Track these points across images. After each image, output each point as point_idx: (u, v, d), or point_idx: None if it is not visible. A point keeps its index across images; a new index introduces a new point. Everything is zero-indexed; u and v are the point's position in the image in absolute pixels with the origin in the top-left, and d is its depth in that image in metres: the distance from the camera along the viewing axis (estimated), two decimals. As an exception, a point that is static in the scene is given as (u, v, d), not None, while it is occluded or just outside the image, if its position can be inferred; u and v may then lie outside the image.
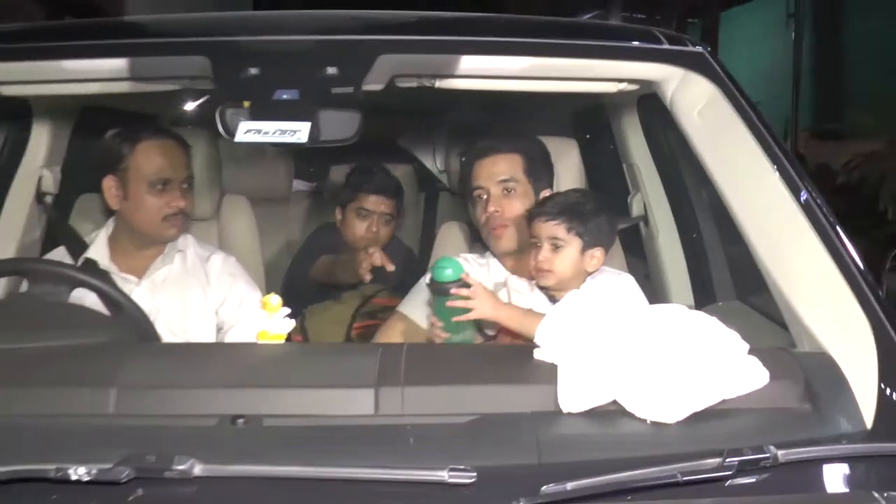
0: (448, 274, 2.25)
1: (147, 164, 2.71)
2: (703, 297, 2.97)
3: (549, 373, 1.64)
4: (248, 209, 3.19)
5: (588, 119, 3.51)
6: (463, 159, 2.79)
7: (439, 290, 2.25)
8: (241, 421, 1.52)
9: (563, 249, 2.45)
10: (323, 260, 3.46)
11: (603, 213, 2.53)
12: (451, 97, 2.32)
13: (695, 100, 2.21)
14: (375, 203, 3.60)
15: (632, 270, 2.99)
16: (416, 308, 2.65)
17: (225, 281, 2.81)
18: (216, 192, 3.15)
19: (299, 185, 4.73)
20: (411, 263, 3.85)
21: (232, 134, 1.96)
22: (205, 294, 2.77)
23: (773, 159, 2.05)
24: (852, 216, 5.61)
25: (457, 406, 1.59)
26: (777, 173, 2.02)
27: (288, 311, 1.90)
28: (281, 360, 1.80)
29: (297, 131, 1.94)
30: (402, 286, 3.57)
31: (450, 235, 3.02)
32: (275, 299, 1.88)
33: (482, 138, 2.78)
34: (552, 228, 2.46)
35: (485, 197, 2.69)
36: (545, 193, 2.73)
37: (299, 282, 3.55)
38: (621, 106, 3.06)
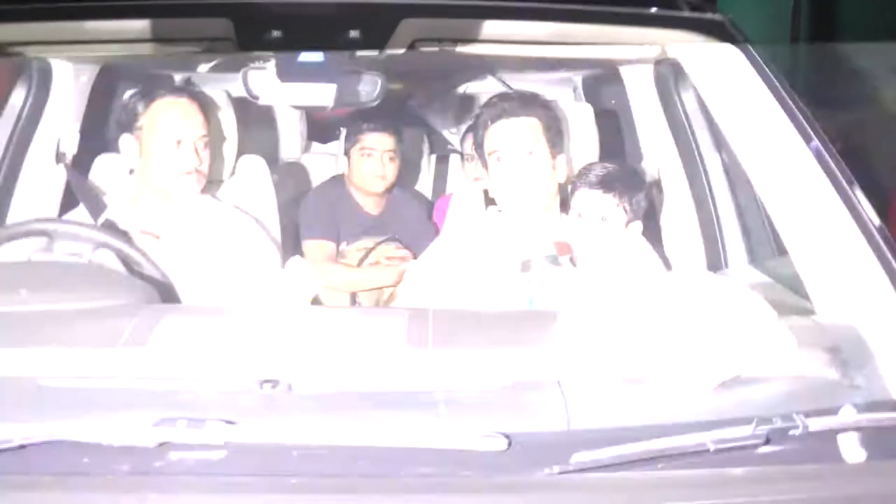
0: None
1: (161, 122, 2.68)
2: (716, 263, 2.93)
3: (577, 339, 1.60)
4: (265, 169, 3.15)
5: (604, 84, 3.45)
6: (478, 120, 2.72)
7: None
8: (269, 385, 1.48)
9: (609, 223, 2.44)
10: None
11: (644, 189, 2.56)
12: (467, 60, 2.28)
13: (716, 66, 2.19)
14: (377, 140, 3.63)
15: (645, 235, 2.97)
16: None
17: (242, 241, 2.78)
18: (233, 153, 3.10)
19: (315, 146, 4.69)
20: (423, 210, 3.84)
21: (256, 96, 1.94)
22: (223, 253, 2.73)
23: (798, 126, 2.01)
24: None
25: (486, 371, 1.55)
26: (801, 138, 1.99)
27: (312, 274, 1.86)
28: (307, 323, 1.76)
29: (320, 94, 1.90)
30: (413, 237, 3.60)
31: (464, 200, 2.97)
32: (299, 262, 1.84)
33: (498, 101, 2.72)
34: (601, 199, 2.45)
35: (503, 160, 2.63)
36: (559, 160, 2.69)
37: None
38: (638, 71, 3.01)
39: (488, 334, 1.71)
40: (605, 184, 2.44)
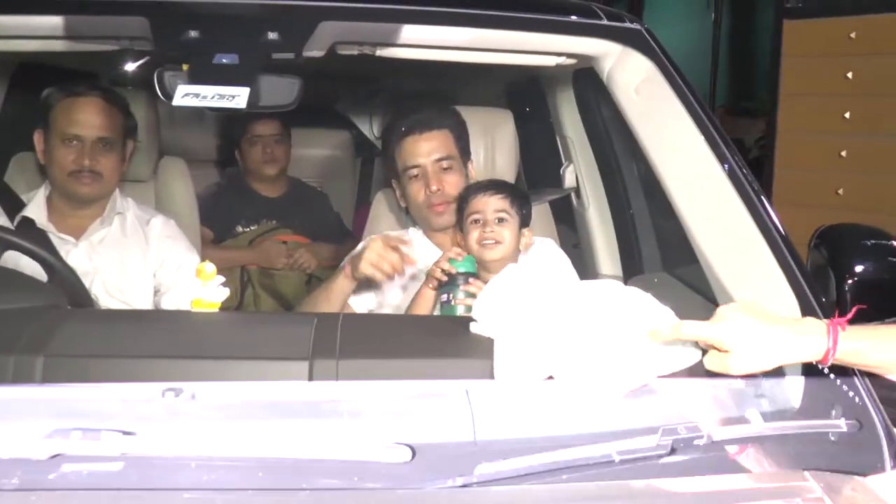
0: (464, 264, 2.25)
1: (61, 118, 2.58)
2: (631, 268, 2.90)
3: (486, 347, 1.55)
4: (186, 171, 3.06)
5: (524, 91, 3.41)
6: (388, 136, 2.70)
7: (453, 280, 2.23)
8: (171, 392, 1.40)
9: (508, 223, 2.44)
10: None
11: (529, 198, 2.57)
12: (390, 64, 2.23)
13: (632, 76, 2.15)
14: (263, 126, 3.65)
15: (562, 240, 2.95)
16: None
17: (164, 244, 2.69)
18: (154, 154, 3.00)
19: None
20: (323, 207, 3.88)
21: (169, 97, 1.84)
22: (143, 256, 2.65)
23: (706, 134, 1.99)
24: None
25: (393, 379, 1.49)
26: (709, 147, 1.96)
27: (222, 279, 1.78)
28: (214, 329, 1.68)
29: (236, 96, 1.82)
30: (311, 228, 3.65)
31: (385, 203, 2.91)
32: (209, 267, 1.76)
33: (415, 109, 2.68)
34: (499, 202, 2.44)
35: (419, 175, 2.59)
36: (470, 167, 2.70)
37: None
38: (557, 79, 2.97)
39: (397, 341, 1.64)
40: (500, 188, 2.45)
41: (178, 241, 2.72)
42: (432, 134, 2.60)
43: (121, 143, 2.67)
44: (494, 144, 2.92)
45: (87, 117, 2.59)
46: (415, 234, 2.68)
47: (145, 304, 2.61)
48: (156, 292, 2.65)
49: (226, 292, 1.77)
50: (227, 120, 3.88)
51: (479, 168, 2.80)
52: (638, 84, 2.13)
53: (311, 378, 1.47)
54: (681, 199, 2.01)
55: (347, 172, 4.34)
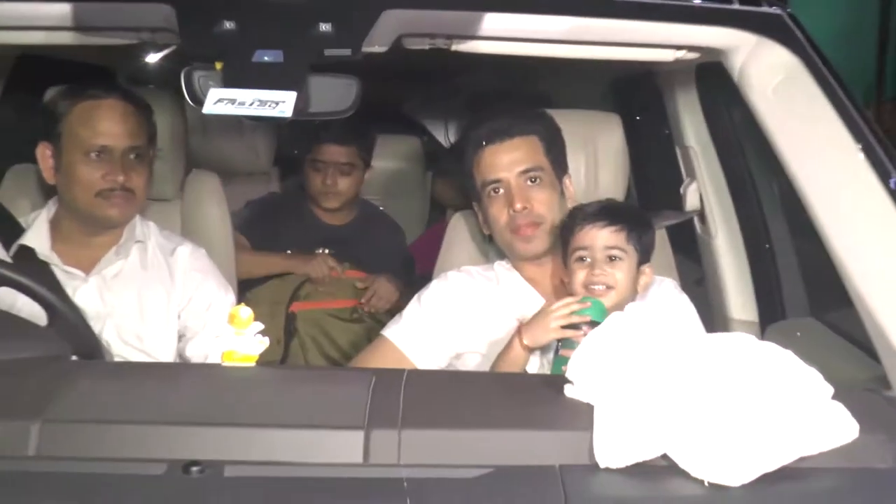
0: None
1: (82, 126, 2.61)
2: (770, 311, 2.91)
3: (583, 416, 1.55)
4: (219, 188, 3.12)
5: (635, 91, 3.42)
6: (464, 146, 2.75)
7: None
8: (196, 469, 1.42)
9: (623, 262, 2.46)
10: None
11: (652, 226, 2.59)
12: (469, 59, 2.25)
13: (770, 73, 2.16)
14: (330, 152, 3.82)
15: (682, 274, 2.94)
16: (410, 337, 2.59)
17: (192, 279, 2.73)
18: (180, 168, 3.06)
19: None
20: (393, 243, 3.98)
21: (199, 101, 1.89)
22: (167, 294, 2.69)
23: (865, 146, 1.99)
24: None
25: (466, 455, 1.49)
26: (869, 162, 1.96)
27: (260, 326, 1.81)
28: (249, 389, 1.70)
29: (280, 102, 1.85)
30: (376, 267, 3.77)
31: (463, 227, 2.93)
32: (245, 312, 1.78)
33: (495, 113, 2.71)
34: (612, 236, 2.46)
35: (502, 191, 2.63)
36: (567, 182, 2.73)
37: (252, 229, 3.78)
38: (677, 76, 2.98)
39: (473, 406, 1.65)
40: (613, 217, 2.44)
41: (209, 275, 2.76)
42: (515, 142, 2.63)
43: (149, 153, 2.72)
44: (598, 155, 2.94)
45: (114, 125, 2.62)
46: (501, 269, 2.71)
47: (167, 353, 2.64)
48: (180, 338, 2.69)
49: (265, 343, 1.79)
50: (288, 128, 4.01)
51: (578, 184, 2.82)
52: (777, 83, 2.13)
53: (366, 451, 1.48)
54: (832, 226, 2.00)
55: (415, 188, 4.39)
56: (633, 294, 2.47)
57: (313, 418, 1.56)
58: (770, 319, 2.86)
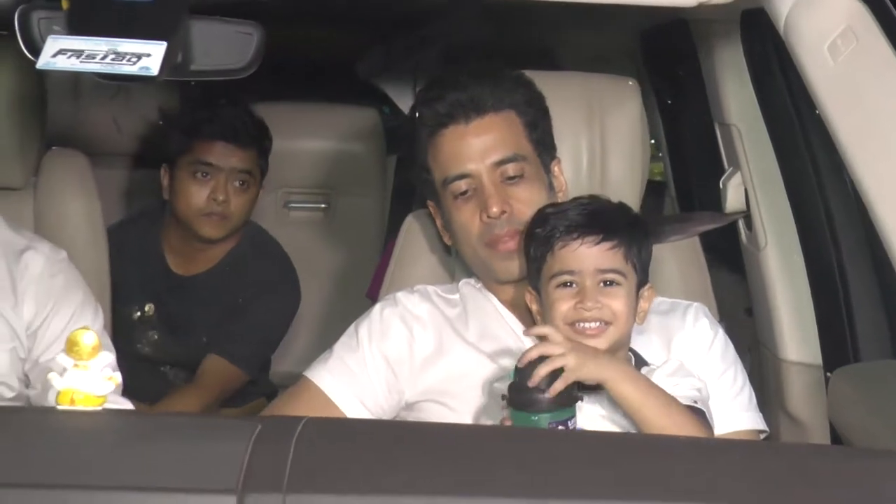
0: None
1: None
2: (838, 352, 2.94)
3: (519, 476, 1.60)
4: (87, 172, 3.19)
5: (659, 49, 3.45)
6: (416, 128, 2.72)
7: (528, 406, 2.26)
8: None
9: (622, 289, 2.43)
10: None
11: (650, 233, 2.57)
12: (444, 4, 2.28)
13: (826, 23, 2.18)
14: (223, 154, 3.69)
15: (722, 297, 2.96)
16: (339, 380, 2.61)
17: (45, 291, 2.75)
18: (33, 144, 3.11)
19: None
20: (270, 286, 3.94)
21: (36, 52, 1.91)
22: (5, 312, 2.71)
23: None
24: None
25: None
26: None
27: (110, 357, 1.84)
28: (90, 442, 1.74)
29: (144, 56, 1.88)
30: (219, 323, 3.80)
31: (419, 233, 2.95)
32: (89, 338, 1.81)
33: (460, 78, 2.69)
34: (607, 256, 2.43)
35: (469, 191, 2.62)
36: (556, 169, 2.73)
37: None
38: (715, 28, 3.00)
39: (392, 463, 1.70)
40: (608, 230, 2.42)
41: (71, 284, 2.78)
42: (487, 121, 2.63)
43: None
44: (607, 136, 2.96)
45: None
46: (469, 290, 2.72)
47: (8, 387, 2.68)
48: (31, 369, 2.71)
49: (114, 380, 1.82)
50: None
51: (579, 176, 2.88)
52: (835, 38, 2.15)
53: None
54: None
55: (372, 178, 4.39)
56: (632, 325, 2.47)
57: (171, 479, 1.60)
58: (837, 362, 2.88)
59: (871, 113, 2.11)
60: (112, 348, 2.71)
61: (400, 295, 2.69)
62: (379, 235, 4.33)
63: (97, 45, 1.87)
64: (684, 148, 3.53)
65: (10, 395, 2.69)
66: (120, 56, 1.87)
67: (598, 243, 2.41)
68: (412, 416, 2.60)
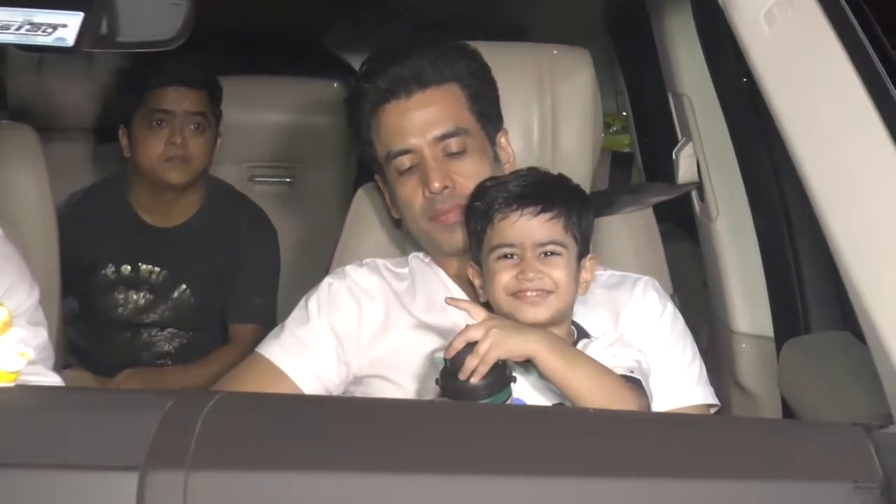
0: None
1: None
2: (789, 322, 2.93)
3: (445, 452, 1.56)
4: (35, 146, 3.16)
5: (622, 20, 3.44)
6: (357, 102, 2.73)
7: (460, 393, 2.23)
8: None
9: (562, 258, 2.43)
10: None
11: (590, 203, 2.55)
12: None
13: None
14: (174, 98, 3.74)
15: (675, 271, 2.93)
16: (291, 353, 2.60)
17: None
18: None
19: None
20: (252, 234, 4.00)
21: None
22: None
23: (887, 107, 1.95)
24: None
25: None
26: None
27: (23, 333, 1.80)
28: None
29: (59, 27, 1.84)
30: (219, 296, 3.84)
31: (368, 207, 2.93)
32: (1, 312, 1.78)
33: (400, 50, 2.68)
34: (546, 227, 2.42)
35: (412, 166, 2.62)
36: (502, 140, 2.73)
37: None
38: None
39: (304, 438, 1.66)
40: (546, 199, 2.41)
41: (7, 260, 2.74)
42: (428, 95, 2.63)
43: None
44: (558, 107, 2.94)
45: None
46: (418, 264, 2.72)
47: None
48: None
49: (26, 356, 1.78)
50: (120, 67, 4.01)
51: (530, 148, 2.86)
52: (771, 6, 2.11)
53: (140, 499, 1.48)
54: (837, 220, 1.98)
55: (338, 151, 4.38)
56: (574, 296, 2.46)
57: (71, 456, 1.56)
58: (789, 333, 2.89)
59: (804, 82, 2.07)
60: (44, 323, 2.74)
61: (349, 268, 2.69)
62: (344, 209, 4.31)
63: (12, 15, 1.83)
64: (649, 119, 3.51)
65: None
66: (35, 26, 1.83)
67: (537, 214, 2.39)
68: (358, 392, 2.60)
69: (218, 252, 3.87)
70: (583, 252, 2.46)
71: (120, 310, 3.83)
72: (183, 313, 3.84)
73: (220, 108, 3.86)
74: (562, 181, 2.53)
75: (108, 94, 4.29)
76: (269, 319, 3.73)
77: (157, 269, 3.83)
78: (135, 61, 3.90)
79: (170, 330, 3.87)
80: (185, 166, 3.76)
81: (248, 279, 3.88)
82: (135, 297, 3.84)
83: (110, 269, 3.81)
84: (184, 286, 3.83)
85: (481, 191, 2.50)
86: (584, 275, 2.47)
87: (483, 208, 2.45)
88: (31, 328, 2.63)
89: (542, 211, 2.40)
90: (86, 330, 3.88)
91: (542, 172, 2.55)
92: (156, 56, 3.56)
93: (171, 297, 3.84)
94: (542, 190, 2.45)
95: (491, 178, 2.55)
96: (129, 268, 3.82)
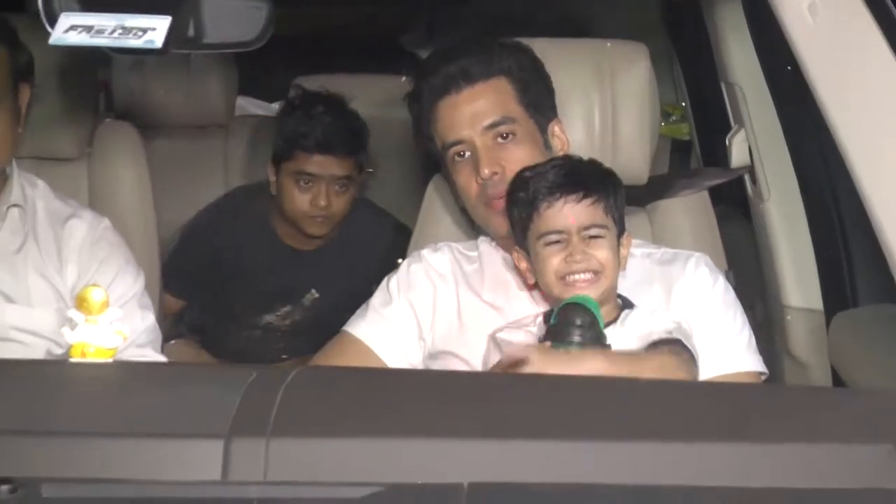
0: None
1: None
2: (838, 296, 2.96)
3: (501, 422, 1.62)
4: (137, 144, 3.23)
5: (678, 14, 3.44)
6: (416, 98, 2.86)
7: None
8: (5, 488, 1.48)
9: (605, 240, 2.51)
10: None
11: (621, 184, 2.62)
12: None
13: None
14: (322, 164, 3.78)
15: (731, 251, 2.96)
16: (376, 330, 2.69)
17: (88, 256, 2.81)
18: (87, 116, 3.15)
19: (247, 104, 4.73)
20: (395, 234, 3.98)
21: (51, 25, 1.93)
22: (51, 275, 2.76)
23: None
24: None
25: (350, 471, 1.54)
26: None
27: (119, 313, 1.87)
28: (95, 392, 1.75)
29: (148, 30, 1.89)
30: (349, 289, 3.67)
31: (441, 195, 2.98)
32: (97, 294, 1.84)
33: (454, 51, 2.79)
34: (589, 212, 2.50)
35: (468, 154, 2.71)
36: (556, 129, 2.79)
37: (183, 277, 3.81)
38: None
39: (372, 410, 1.70)
40: (585, 186, 2.47)
41: (113, 251, 2.85)
42: (477, 89, 2.73)
43: (7, 87, 2.76)
44: (616, 98, 2.99)
45: None
46: (486, 247, 2.79)
47: (57, 344, 2.70)
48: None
49: (122, 335, 1.84)
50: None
51: (592, 138, 2.93)
52: (815, -1, 2.14)
53: (225, 465, 1.53)
54: (878, 193, 2.01)
55: (409, 146, 4.41)
56: (618, 273, 2.53)
57: (161, 425, 1.61)
58: (838, 306, 2.92)
59: (846, 70, 2.10)
60: (151, 307, 2.85)
61: (425, 252, 2.78)
62: (419, 198, 4.33)
63: (106, 20, 1.89)
64: (705, 108, 3.51)
65: (59, 351, 2.72)
66: (127, 30, 1.88)
67: (580, 201, 2.49)
68: (435, 367, 2.65)
69: (357, 268, 3.87)
70: (620, 231, 2.54)
71: (262, 318, 3.97)
72: (318, 320, 3.89)
73: (367, 156, 3.97)
74: (596, 166, 2.63)
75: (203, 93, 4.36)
76: None
77: (301, 287, 3.95)
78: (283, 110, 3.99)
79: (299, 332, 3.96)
80: (327, 222, 3.87)
81: None
82: (280, 310, 3.97)
83: (255, 283, 3.93)
84: (322, 300, 3.94)
85: (521, 180, 2.58)
86: (623, 251, 2.55)
87: (526, 198, 2.53)
88: (139, 311, 2.71)
89: (584, 197, 2.49)
90: (208, 318, 3.99)
91: (575, 160, 2.65)
92: (307, 120, 3.73)
93: (311, 310, 3.96)
94: (581, 176, 2.54)
95: (527, 168, 2.61)
96: (272, 283, 3.94)
